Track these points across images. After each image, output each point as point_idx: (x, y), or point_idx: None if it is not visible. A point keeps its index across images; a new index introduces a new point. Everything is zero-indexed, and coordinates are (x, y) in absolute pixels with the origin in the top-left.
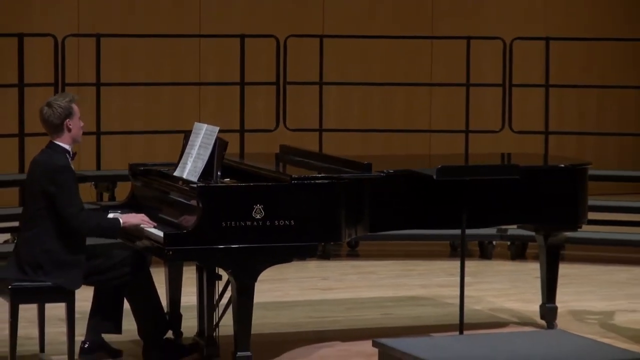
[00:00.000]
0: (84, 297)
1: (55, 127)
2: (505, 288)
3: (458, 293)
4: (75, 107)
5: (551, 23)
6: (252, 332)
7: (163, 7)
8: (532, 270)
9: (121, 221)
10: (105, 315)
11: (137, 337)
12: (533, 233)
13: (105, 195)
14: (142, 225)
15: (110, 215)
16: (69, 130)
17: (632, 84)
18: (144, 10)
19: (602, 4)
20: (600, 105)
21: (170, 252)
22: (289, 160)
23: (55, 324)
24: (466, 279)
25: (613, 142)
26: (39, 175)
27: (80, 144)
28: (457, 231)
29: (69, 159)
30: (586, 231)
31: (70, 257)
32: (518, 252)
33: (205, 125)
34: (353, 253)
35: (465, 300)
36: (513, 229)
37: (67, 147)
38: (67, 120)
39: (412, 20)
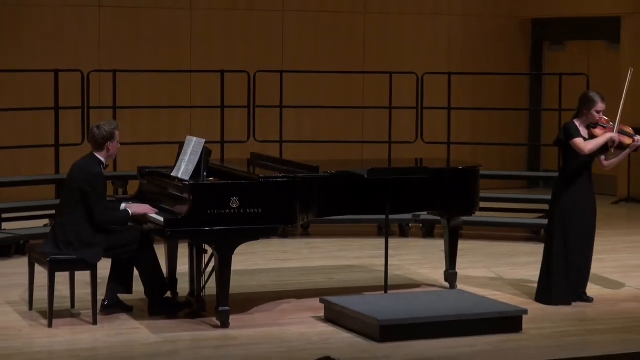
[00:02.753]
0: (104, 266)
1: (99, 145)
2: (418, 259)
3: (384, 262)
4: (117, 133)
5: (452, 61)
6: (230, 292)
7: (163, 49)
8: (438, 245)
9: (130, 212)
10: (120, 280)
11: (144, 297)
12: (439, 218)
13: (120, 191)
14: (146, 213)
15: (123, 206)
16: (108, 150)
17: (511, 107)
18: (148, 51)
19: (490, 48)
20: (488, 123)
21: (169, 233)
22: (257, 164)
23: (83, 287)
24: (389, 252)
25: (497, 150)
26: (77, 175)
27: None
28: (383, 216)
29: (102, 168)
30: (478, 216)
31: (93, 238)
32: (428, 231)
33: (194, 138)
34: (305, 233)
35: (389, 267)
36: (424, 215)
37: (102, 159)
38: (109, 142)
39: (349, 59)
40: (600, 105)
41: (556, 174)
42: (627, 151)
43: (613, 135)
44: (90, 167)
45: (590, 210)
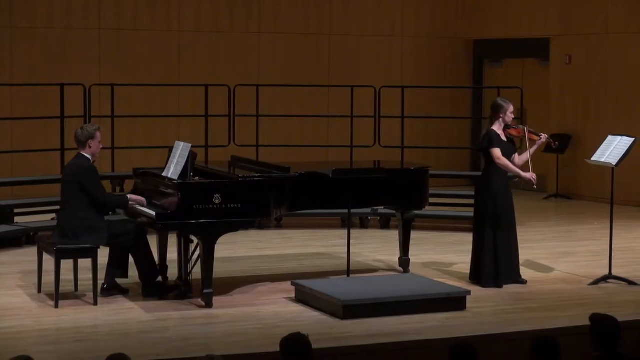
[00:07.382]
0: (103, 254)
1: (82, 143)
2: (377, 247)
3: (346, 250)
4: (98, 134)
5: (405, 76)
6: (214, 276)
7: (155, 66)
8: (394, 235)
9: (129, 197)
10: (117, 266)
11: (139, 281)
12: (394, 211)
13: (117, 189)
14: (137, 205)
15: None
16: (90, 147)
17: (456, 116)
18: (143, 67)
19: (438, 65)
20: (437, 129)
21: (160, 225)
22: (237, 165)
23: (85, 272)
24: (351, 241)
25: (444, 153)
26: (72, 172)
27: (101, 155)
28: (345, 210)
29: (91, 162)
30: (428, 210)
31: (96, 223)
32: (385, 223)
33: (182, 143)
34: (279, 225)
35: (351, 255)
36: (381, 209)
37: (89, 156)
38: (90, 140)
39: (316, 74)
40: (511, 107)
41: None
42: (535, 147)
43: (529, 175)
44: (81, 163)
45: (511, 204)
